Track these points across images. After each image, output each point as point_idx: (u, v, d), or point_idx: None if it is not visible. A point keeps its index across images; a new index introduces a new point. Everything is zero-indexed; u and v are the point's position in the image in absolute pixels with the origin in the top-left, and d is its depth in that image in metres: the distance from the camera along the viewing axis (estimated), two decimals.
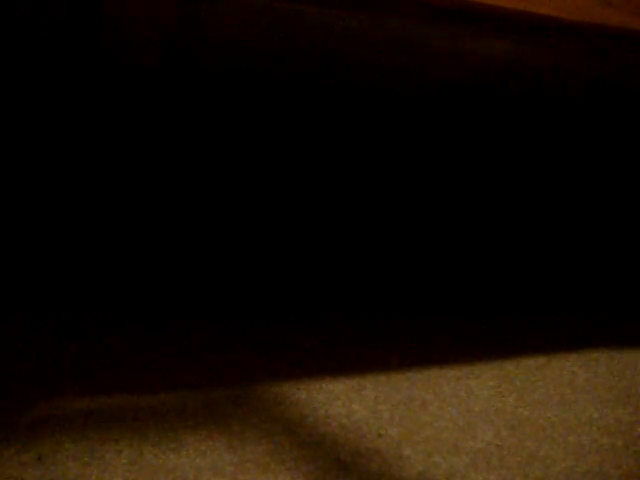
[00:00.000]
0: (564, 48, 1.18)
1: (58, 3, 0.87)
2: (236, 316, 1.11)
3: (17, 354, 0.89)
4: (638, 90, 1.27)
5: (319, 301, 1.21)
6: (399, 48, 1.08)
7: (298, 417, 0.79)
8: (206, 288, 1.22)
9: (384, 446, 0.75)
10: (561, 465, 0.75)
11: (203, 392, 0.83)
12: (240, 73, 1.02)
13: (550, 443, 0.79)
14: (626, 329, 1.22)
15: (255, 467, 0.69)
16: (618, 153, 1.42)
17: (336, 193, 1.27)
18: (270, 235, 1.28)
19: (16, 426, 0.72)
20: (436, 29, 1.07)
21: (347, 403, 0.84)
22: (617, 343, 1.15)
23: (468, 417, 0.83)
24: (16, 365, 0.86)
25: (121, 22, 0.86)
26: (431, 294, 1.31)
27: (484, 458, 0.75)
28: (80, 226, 1.13)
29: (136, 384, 0.84)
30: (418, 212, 1.36)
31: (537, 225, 1.49)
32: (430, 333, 1.11)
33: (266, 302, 1.18)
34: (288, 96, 1.09)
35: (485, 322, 1.19)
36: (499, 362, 1.01)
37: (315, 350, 0.99)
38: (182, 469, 0.68)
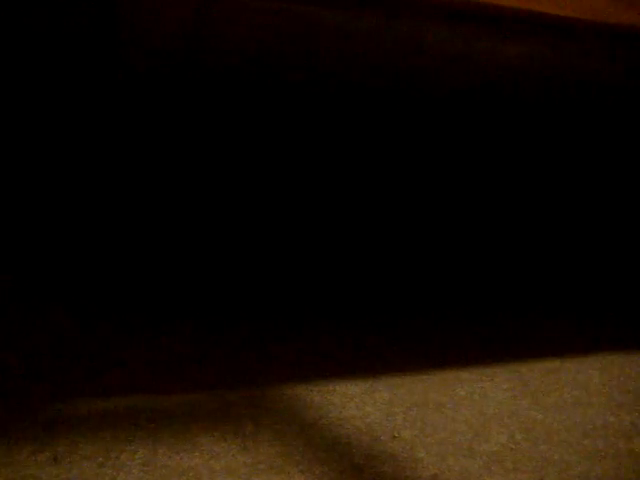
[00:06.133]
0: (578, 49, 1.17)
1: (75, 12, 0.87)
2: (250, 320, 1.11)
3: (33, 355, 0.90)
4: None
5: (333, 304, 1.21)
6: (411, 50, 1.08)
7: (311, 419, 0.79)
8: (220, 292, 1.22)
9: (398, 448, 0.75)
10: (576, 469, 0.75)
11: (217, 394, 0.83)
12: (254, 75, 1.02)
13: (565, 447, 0.79)
14: None
15: (268, 469, 0.69)
16: (631, 155, 1.41)
17: (348, 195, 1.27)
18: (283, 241, 1.29)
19: (32, 426, 0.73)
20: (447, 31, 1.07)
21: (361, 405, 0.84)
22: (633, 346, 1.14)
23: (482, 420, 0.83)
24: (32, 366, 0.87)
25: (137, 28, 0.86)
26: (446, 297, 1.31)
27: (498, 461, 0.75)
28: (99, 230, 1.14)
29: (150, 385, 0.84)
30: (433, 215, 1.36)
31: (554, 229, 1.48)
32: (444, 336, 1.10)
33: (279, 306, 1.18)
34: (301, 97, 1.09)
35: (499, 325, 1.19)
36: (513, 365, 1.01)
37: (329, 352, 0.99)
38: (196, 470, 0.68)
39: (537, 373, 0.98)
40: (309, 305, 1.19)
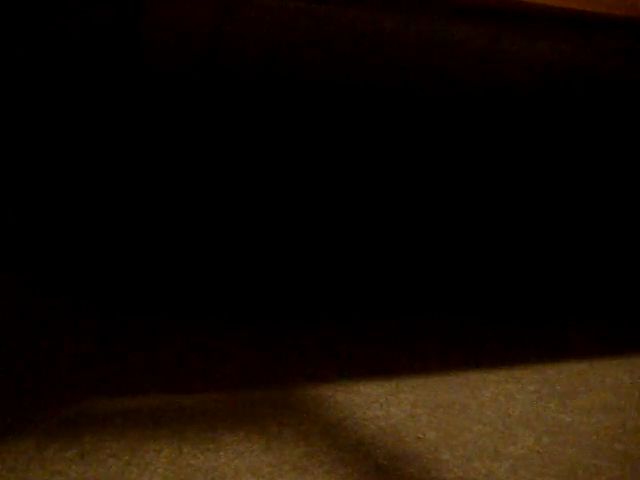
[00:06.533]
0: (607, 46, 1.15)
1: (100, 15, 0.88)
2: (274, 320, 1.11)
3: (62, 353, 0.91)
4: None
5: (357, 304, 1.21)
6: (434, 48, 1.07)
7: (336, 419, 0.79)
8: (245, 293, 1.23)
9: (422, 450, 0.74)
10: (607, 474, 0.73)
11: (241, 393, 0.84)
12: (276, 75, 1.02)
13: (594, 451, 0.77)
14: None
15: (292, 469, 0.69)
16: None
17: (367, 193, 1.26)
18: (307, 243, 1.28)
19: (59, 423, 0.74)
20: (470, 29, 1.06)
21: (385, 406, 0.83)
22: None
23: (508, 422, 0.82)
24: (60, 364, 0.88)
25: (159, 27, 0.87)
26: (471, 298, 1.30)
27: (525, 464, 0.73)
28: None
29: (175, 384, 0.85)
30: (461, 215, 1.35)
31: (584, 232, 1.46)
32: (469, 337, 1.09)
33: (303, 306, 1.18)
34: (322, 97, 1.09)
35: (525, 326, 1.17)
36: (540, 366, 0.99)
37: (353, 353, 0.99)
38: (221, 470, 0.68)
39: (564, 375, 0.97)
40: (334, 305, 1.19)
